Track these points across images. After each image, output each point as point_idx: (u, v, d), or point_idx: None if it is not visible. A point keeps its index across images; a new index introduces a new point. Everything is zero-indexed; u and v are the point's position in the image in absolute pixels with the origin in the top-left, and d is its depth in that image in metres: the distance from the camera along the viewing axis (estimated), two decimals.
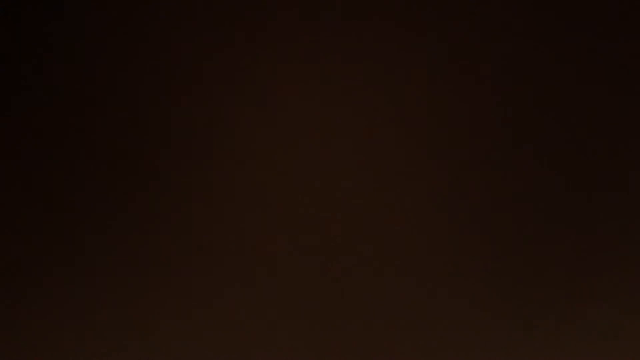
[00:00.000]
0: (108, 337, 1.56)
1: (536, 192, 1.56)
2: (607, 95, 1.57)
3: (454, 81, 1.57)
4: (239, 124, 1.58)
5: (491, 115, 1.57)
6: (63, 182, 1.58)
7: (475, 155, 1.56)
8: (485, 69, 1.57)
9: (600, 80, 1.57)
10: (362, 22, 1.58)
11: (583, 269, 1.55)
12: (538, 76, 1.57)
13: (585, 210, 1.56)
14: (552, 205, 1.56)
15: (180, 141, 1.58)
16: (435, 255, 1.56)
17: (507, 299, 1.55)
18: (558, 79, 1.57)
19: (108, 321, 1.56)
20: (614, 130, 1.57)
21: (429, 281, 1.55)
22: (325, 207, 1.57)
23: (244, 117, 1.58)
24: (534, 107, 1.57)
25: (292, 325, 1.56)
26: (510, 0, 1.58)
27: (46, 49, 1.59)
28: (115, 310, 1.56)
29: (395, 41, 1.58)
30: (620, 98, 1.57)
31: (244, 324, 1.56)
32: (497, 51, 1.57)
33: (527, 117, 1.57)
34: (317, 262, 1.56)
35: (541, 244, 1.56)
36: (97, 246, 1.57)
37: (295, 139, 1.58)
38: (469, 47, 1.57)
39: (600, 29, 1.57)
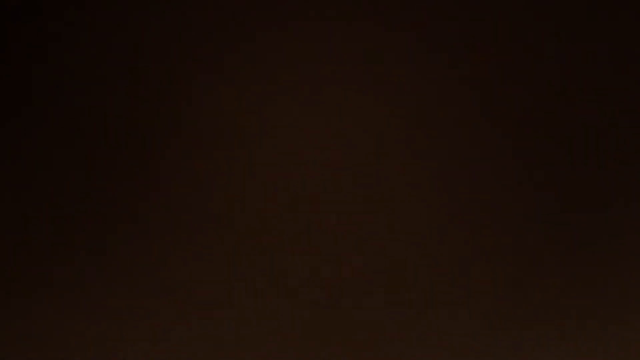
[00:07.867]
0: (108, 341, 1.57)
1: (536, 197, 1.56)
2: (613, 100, 1.57)
3: (454, 86, 1.58)
4: (237, 131, 1.59)
5: (492, 121, 1.57)
6: (63, 183, 1.58)
7: (475, 160, 1.56)
8: (486, 74, 1.57)
9: (608, 85, 1.57)
10: (363, 23, 1.59)
11: (585, 274, 1.55)
12: (543, 81, 1.57)
13: (585, 216, 1.55)
14: (555, 213, 1.56)
15: (180, 145, 1.58)
16: (436, 266, 1.56)
17: (508, 306, 1.55)
18: (566, 84, 1.57)
19: (107, 323, 1.57)
20: (618, 136, 1.56)
21: (429, 291, 1.55)
22: (323, 214, 1.57)
23: (243, 122, 1.59)
24: (536, 111, 1.57)
25: (291, 332, 1.56)
26: (509, 1, 1.58)
27: (50, 51, 1.60)
28: (114, 313, 1.57)
29: (395, 45, 1.58)
30: (627, 101, 1.57)
31: (243, 332, 1.56)
32: (497, 56, 1.57)
33: (529, 121, 1.57)
34: (316, 268, 1.56)
35: (542, 249, 1.56)
36: (96, 249, 1.57)
37: (294, 145, 1.58)
38: (468, 51, 1.58)
39: (601, 31, 1.57)
